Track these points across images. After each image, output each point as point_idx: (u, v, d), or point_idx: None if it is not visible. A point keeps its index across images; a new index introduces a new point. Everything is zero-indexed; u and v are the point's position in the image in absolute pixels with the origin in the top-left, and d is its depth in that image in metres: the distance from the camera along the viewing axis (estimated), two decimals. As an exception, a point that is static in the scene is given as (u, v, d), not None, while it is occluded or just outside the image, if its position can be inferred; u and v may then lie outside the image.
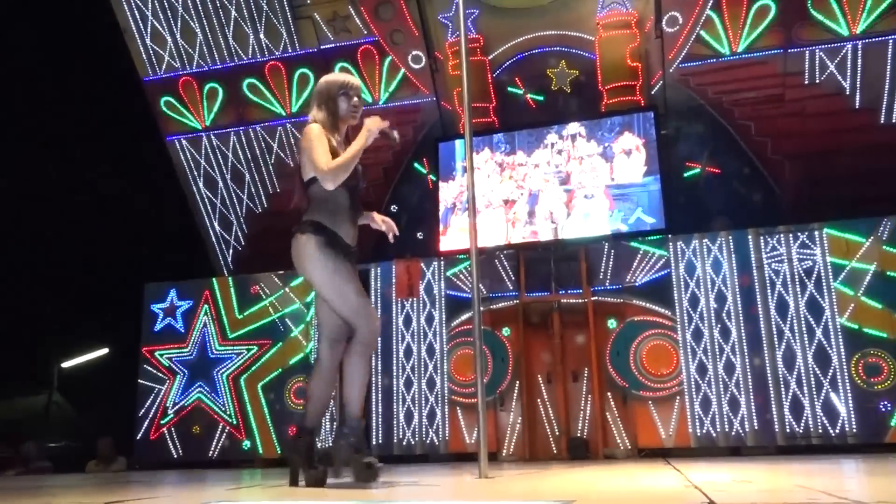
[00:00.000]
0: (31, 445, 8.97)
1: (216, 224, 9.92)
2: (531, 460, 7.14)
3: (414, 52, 9.08)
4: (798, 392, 6.79)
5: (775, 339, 6.94)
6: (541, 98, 8.99)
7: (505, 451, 7.40)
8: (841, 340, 6.77)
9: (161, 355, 8.56)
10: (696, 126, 8.52)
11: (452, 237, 8.18)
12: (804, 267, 7.02)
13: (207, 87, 9.76)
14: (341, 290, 3.12)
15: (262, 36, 9.53)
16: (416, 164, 9.27)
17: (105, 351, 13.78)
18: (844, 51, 8.03)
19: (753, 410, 6.86)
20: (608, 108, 8.38)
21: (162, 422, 8.39)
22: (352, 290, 3.14)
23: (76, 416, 13.91)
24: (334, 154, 3.16)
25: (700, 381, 7.05)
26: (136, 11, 9.74)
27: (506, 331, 7.67)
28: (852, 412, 6.61)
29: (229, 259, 9.86)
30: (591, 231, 7.77)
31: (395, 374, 7.79)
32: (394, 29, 9.12)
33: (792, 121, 8.19)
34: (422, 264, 8.00)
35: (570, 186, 7.95)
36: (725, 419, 6.91)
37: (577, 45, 8.86)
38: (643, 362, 7.25)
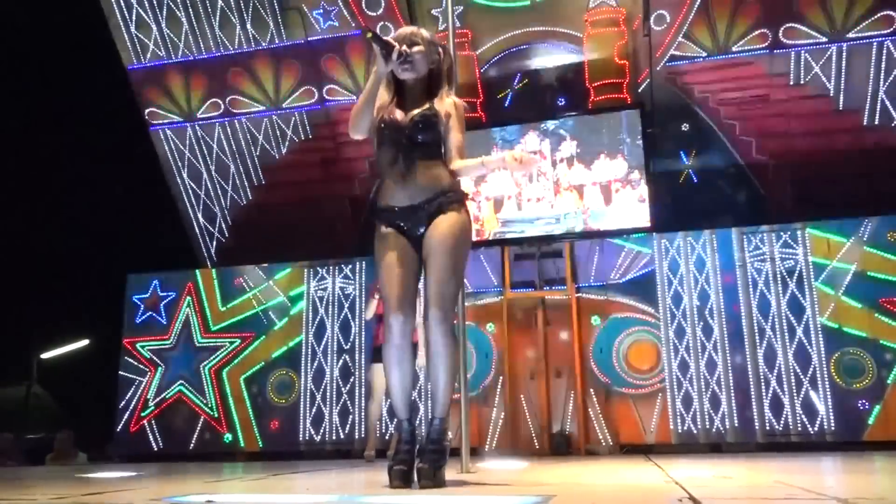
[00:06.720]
0: (6, 438, 8.87)
1: (200, 215, 9.82)
2: (513, 456, 7.15)
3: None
4: (778, 390, 6.85)
5: (757, 338, 7.00)
6: (528, 94, 8.98)
7: (487, 446, 7.41)
8: (821, 339, 6.84)
9: (143, 347, 8.48)
10: (682, 125, 8.55)
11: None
12: (786, 266, 7.08)
13: (193, 77, 9.65)
14: (377, 262, 2.88)
15: (248, 26, 9.43)
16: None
17: (86, 342, 13.65)
18: (829, 52, 8.09)
19: (734, 408, 6.92)
20: (595, 105, 8.40)
21: (142, 414, 8.32)
22: (381, 265, 2.84)
23: (56, 407, 13.79)
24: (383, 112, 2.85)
25: (682, 379, 7.09)
26: (120, -1, 9.60)
27: (490, 327, 7.67)
28: (831, 410, 6.68)
29: (213, 251, 9.77)
30: (576, 228, 7.78)
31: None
32: (382, 22, 9.07)
33: (777, 121, 8.25)
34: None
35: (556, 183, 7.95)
36: (706, 416, 6.96)
37: (565, 41, 8.86)
38: (626, 359, 7.29)
